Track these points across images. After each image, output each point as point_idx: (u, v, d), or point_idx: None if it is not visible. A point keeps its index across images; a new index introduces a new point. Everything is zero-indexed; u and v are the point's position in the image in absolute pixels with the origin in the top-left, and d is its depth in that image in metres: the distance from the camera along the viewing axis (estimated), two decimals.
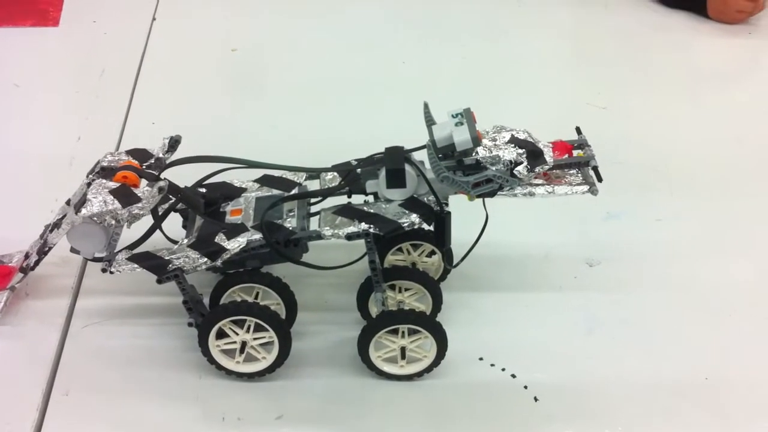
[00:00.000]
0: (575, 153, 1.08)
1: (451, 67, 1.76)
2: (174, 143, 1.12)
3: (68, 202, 1.08)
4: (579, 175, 1.08)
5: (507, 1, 1.95)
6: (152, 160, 1.10)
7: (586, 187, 1.06)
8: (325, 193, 1.10)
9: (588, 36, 1.89)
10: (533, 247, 1.33)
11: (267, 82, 1.69)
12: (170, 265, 1.03)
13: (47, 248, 1.10)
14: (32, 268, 1.13)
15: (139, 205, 1.01)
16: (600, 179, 1.05)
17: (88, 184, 1.04)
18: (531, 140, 1.03)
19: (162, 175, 1.07)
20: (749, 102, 1.69)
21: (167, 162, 1.10)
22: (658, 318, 1.21)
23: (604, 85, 1.70)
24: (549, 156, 1.03)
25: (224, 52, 1.75)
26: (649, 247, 1.33)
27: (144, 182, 1.04)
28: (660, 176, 1.47)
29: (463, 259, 1.13)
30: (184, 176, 1.11)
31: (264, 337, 1.06)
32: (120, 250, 1.05)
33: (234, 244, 1.03)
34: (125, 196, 1.01)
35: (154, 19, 1.83)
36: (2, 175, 1.41)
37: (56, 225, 1.08)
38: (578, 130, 1.11)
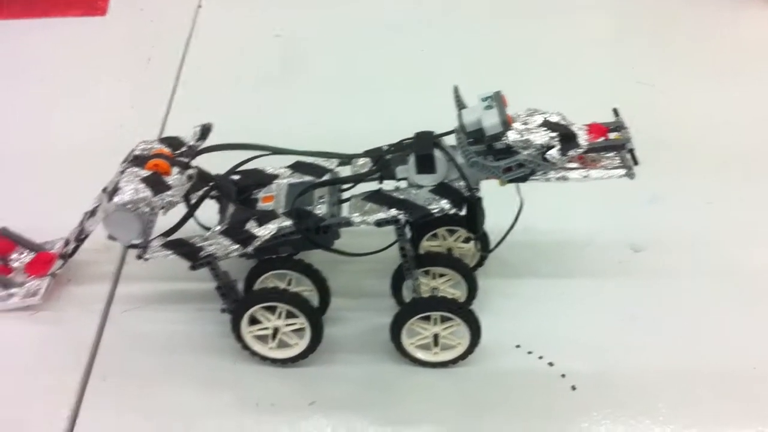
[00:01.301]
0: (612, 135, 1.05)
1: (492, 50, 1.72)
2: (205, 131, 1.13)
3: (104, 190, 1.10)
4: (617, 158, 1.04)
5: None
6: (185, 148, 1.11)
7: (622, 171, 1.02)
8: (355, 180, 1.09)
9: (634, 12, 1.82)
10: (576, 232, 1.30)
11: (308, 68, 1.69)
12: (202, 252, 1.03)
13: (84, 236, 1.13)
14: (70, 255, 1.16)
15: (170, 192, 1.02)
16: (636, 162, 1.02)
17: (122, 173, 1.06)
18: (564, 123, 1.00)
19: (193, 163, 1.08)
20: None
21: (198, 150, 1.11)
22: (704, 305, 1.18)
23: (652, 64, 1.65)
24: (583, 139, 1.00)
25: (268, 38, 1.76)
26: (698, 231, 1.29)
27: (175, 170, 1.05)
28: (711, 157, 1.42)
29: (498, 245, 1.12)
30: (219, 163, 1.12)
31: (296, 324, 1.06)
32: (154, 238, 1.07)
33: (264, 231, 1.03)
34: (156, 184, 1.02)
35: (199, 6, 1.85)
36: (48, 163, 1.44)
37: (92, 213, 1.10)
38: (615, 112, 1.08)
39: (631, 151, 1.02)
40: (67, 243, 1.17)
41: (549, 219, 1.26)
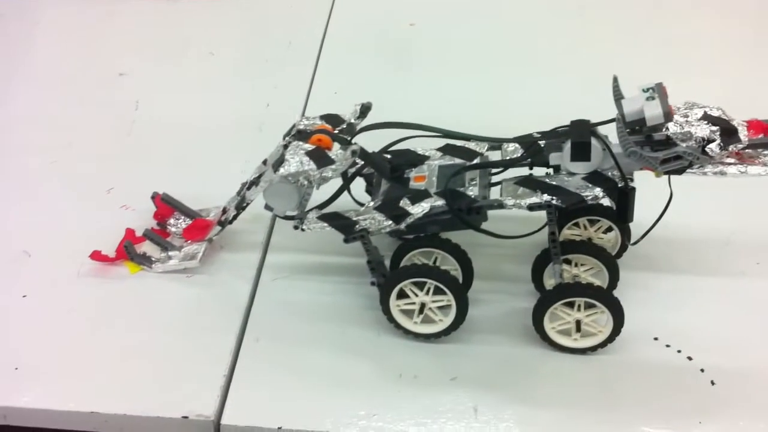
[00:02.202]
0: None
1: (637, 43, 1.72)
2: (365, 110, 1.18)
3: (265, 162, 1.16)
4: None
5: None
6: (344, 125, 1.15)
7: None
8: (506, 164, 1.12)
9: None
10: (713, 230, 1.29)
11: (444, 56, 1.72)
12: (357, 226, 1.08)
13: (245, 204, 1.19)
14: (230, 222, 1.22)
15: (332, 167, 1.07)
16: None
17: (285, 146, 1.11)
18: (725, 118, 1.01)
19: (353, 140, 1.12)
20: None
21: (359, 127, 1.15)
22: None
23: None
24: (743, 134, 1.00)
25: (403, 25, 1.80)
26: None
27: (336, 146, 1.10)
28: None
29: (643, 236, 1.13)
30: (367, 142, 1.16)
31: (442, 301, 1.10)
32: (310, 210, 1.12)
33: (418, 209, 1.06)
34: (320, 157, 1.07)
35: None
36: (199, 139, 1.51)
37: (254, 183, 1.16)
38: None
39: None
40: (225, 211, 1.24)
41: (681, 214, 1.23)
